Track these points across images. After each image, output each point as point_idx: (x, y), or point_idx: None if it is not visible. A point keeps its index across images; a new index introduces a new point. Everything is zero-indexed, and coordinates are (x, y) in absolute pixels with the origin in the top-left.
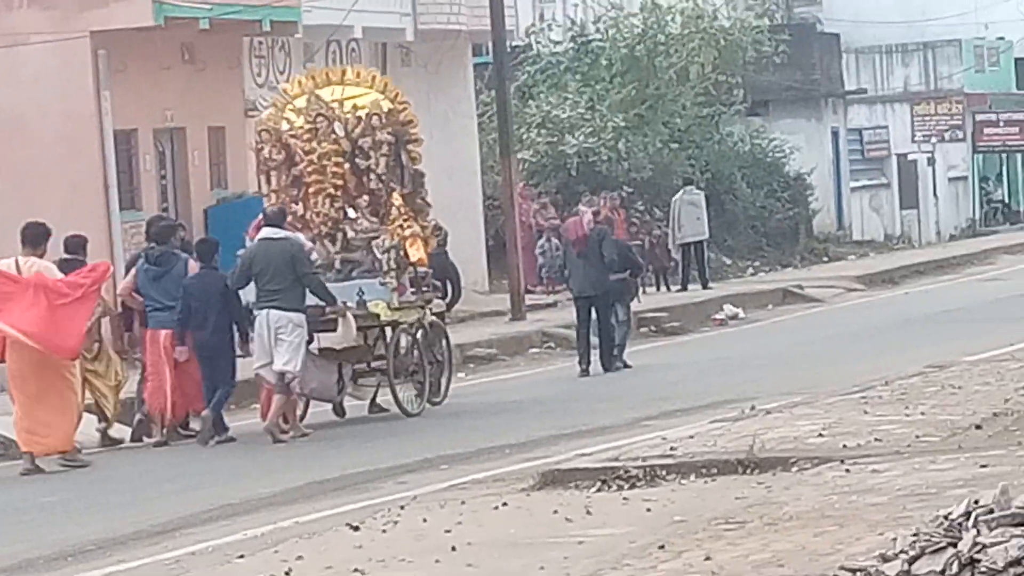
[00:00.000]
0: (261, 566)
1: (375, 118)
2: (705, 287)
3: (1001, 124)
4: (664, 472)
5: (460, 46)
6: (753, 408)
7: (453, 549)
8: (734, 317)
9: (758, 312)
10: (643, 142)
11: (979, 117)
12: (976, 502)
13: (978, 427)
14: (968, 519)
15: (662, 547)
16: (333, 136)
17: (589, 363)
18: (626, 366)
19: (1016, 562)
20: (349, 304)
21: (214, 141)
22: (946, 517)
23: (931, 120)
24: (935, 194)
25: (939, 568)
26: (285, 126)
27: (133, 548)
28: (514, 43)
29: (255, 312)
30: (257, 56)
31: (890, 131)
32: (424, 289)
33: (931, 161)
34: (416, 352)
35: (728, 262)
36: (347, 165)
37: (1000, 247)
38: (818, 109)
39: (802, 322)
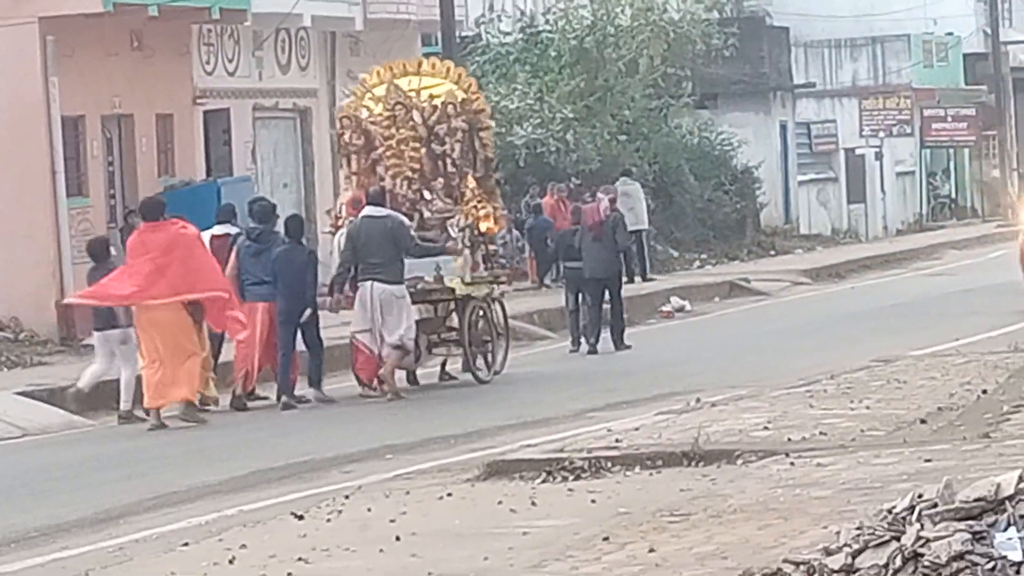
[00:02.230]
0: (205, 554)
1: (450, 107)
2: (644, 279)
3: (949, 119)
4: (609, 464)
5: (409, 36)
6: (699, 400)
7: (397, 539)
8: (680, 309)
9: (705, 305)
10: (591, 134)
11: (927, 112)
12: (920, 496)
13: (923, 421)
14: (912, 513)
15: (606, 539)
16: (411, 123)
17: (599, 340)
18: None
19: (959, 556)
20: (427, 278)
21: (162, 128)
22: (890, 511)
23: (879, 115)
24: (882, 189)
25: (882, 562)
26: (365, 113)
27: (77, 535)
28: (463, 33)
29: (359, 283)
30: (206, 44)
31: (838, 125)
32: (493, 266)
33: (879, 156)
34: (485, 324)
35: (675, 254)
36: (423, 150)
37: (947, 242)
38: (766, 103)
39: (748, 315)
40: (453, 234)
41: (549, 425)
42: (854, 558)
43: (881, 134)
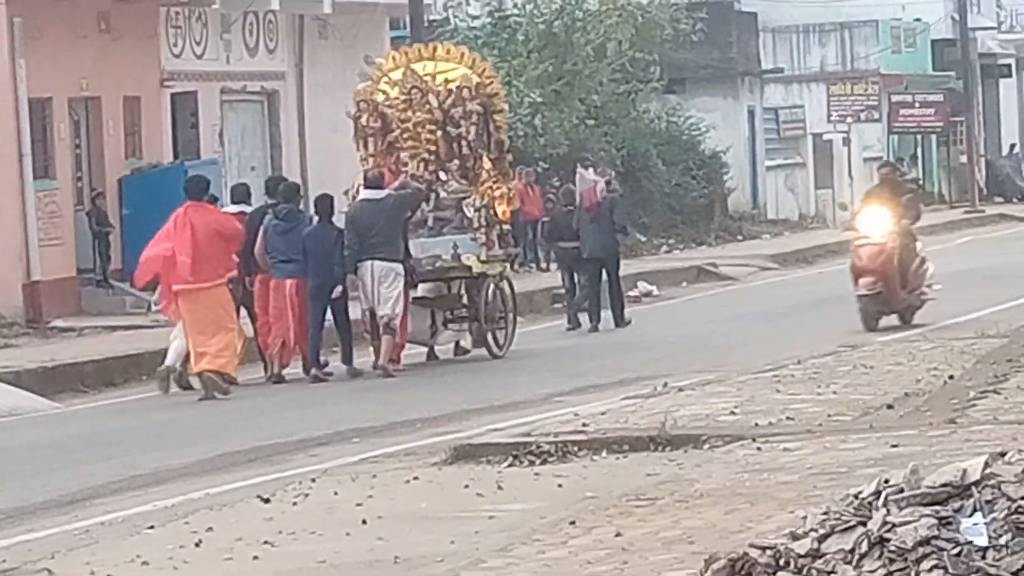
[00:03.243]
0: (171, 537)
1: (465, 90)
2: None
3: (917, 105)
4: (576, 448)
5: (377, 19)
6: (666, 385)
7: (364, 522)
8: (648, 294)
9: (672, 290)
10: (559, 118)
11: (895, 98)
12: (886, 481)
13: (889, 407)
14: (878, 498)
15: (573, 523)
16: (427, 106)
17: (600, 319)
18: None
19: (925, 541)
20: (444, 256)
21: (129, 111)
22: (856, 496)
23: (847, 100)
24: (850, 174)
25: (849, 547)
26: (381, 97)
27: (42, 518)
28: (431, 17)
29: (359, 263)
30: (173, 26)
31: (806, 111)
32: (507, 245)
33: (846, 141)
34: (499, 301)
35: (643, 239)
36: (439, 133)
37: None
38: (734, 88)
39: (716, 300)
40: (469, 214)
41: (516, 409)
42: (820, 543)
43: (849, 119)
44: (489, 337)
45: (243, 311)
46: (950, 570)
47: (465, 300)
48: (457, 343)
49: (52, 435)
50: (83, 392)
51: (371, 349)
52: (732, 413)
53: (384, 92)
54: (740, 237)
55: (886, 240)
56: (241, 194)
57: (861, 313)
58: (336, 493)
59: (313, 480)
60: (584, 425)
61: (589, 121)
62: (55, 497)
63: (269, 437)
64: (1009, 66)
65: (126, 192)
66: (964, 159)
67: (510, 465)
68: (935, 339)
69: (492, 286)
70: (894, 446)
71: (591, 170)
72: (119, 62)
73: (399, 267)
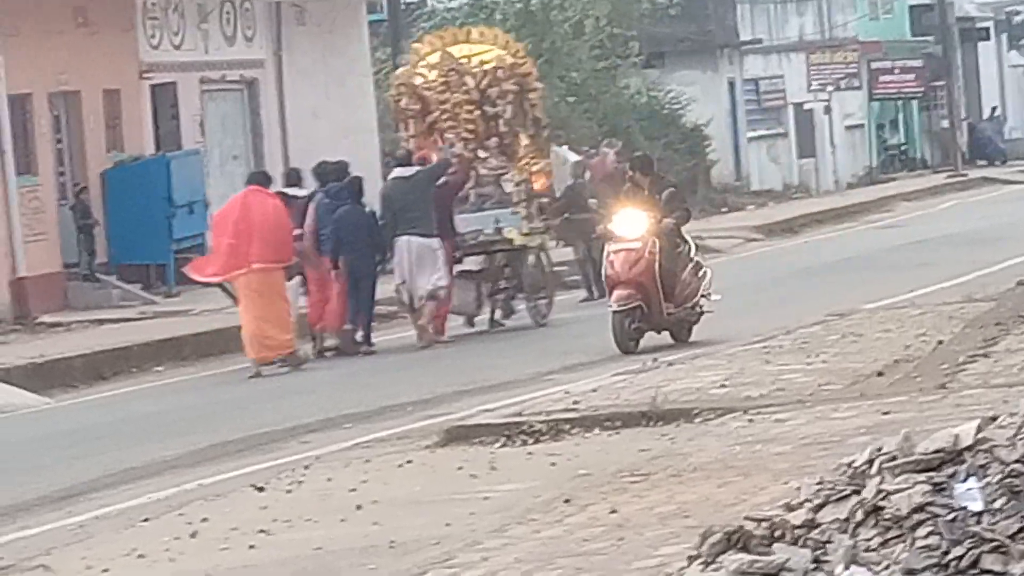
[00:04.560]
0: (166, 529)
1: (500, 71)
2: None
3: (896, 71)
4: (568, 426)
5: (355, 4)
6: (655, 360)
7: (358, 508)
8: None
9: None
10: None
11: (874, 65)
12: (879, 449)
13: (880, 374)
14: (871, 466)
15: (567, 501)
16: (464, 87)
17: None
18: None
19: (920, 508)
20: (487, 231)
21: (109, 104)
22: (849, 465)
23: (827, 69)
24: (832, 143)
25: (844, 516)
26: (419, 80)
27: (36, 514)
28: (408, 0)
29: (395, 238)
30: (151, 18)
31: (786, 81)
32: (546, 218)
33: (827, 110)
34: (540, 272)
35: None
36: (477, 112)
37: (898, 194)
38: (714, 60)
39: None
40: (508, 189)
41: (506, 389)
42: (815, 513)
43: (829, 88)
44: (532, 307)
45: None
46: (945, 536)
47: (508, 272)
48: (491, 316)
49: (43, 431)
50: (72, 387)
51: (413, 324)
52: (723, 386)
53: (422, 75)
54: (724, 209)
55: (644, 245)
56: (293, 178)
57: (614, 332)
58: (330, 479)
59: (306, 467)
60: (575, 403)
61: (569, 98)
62: (48, 493)
63: (261, 425)
64: (987, 29)
65: (109, 185)
66: (945, 124)
67: (503, 445)
68: (923, 305)
69: (533, 257)
70: (885, 413)
71: (565, 147)
72: (97, 56)
73: (435, 242)
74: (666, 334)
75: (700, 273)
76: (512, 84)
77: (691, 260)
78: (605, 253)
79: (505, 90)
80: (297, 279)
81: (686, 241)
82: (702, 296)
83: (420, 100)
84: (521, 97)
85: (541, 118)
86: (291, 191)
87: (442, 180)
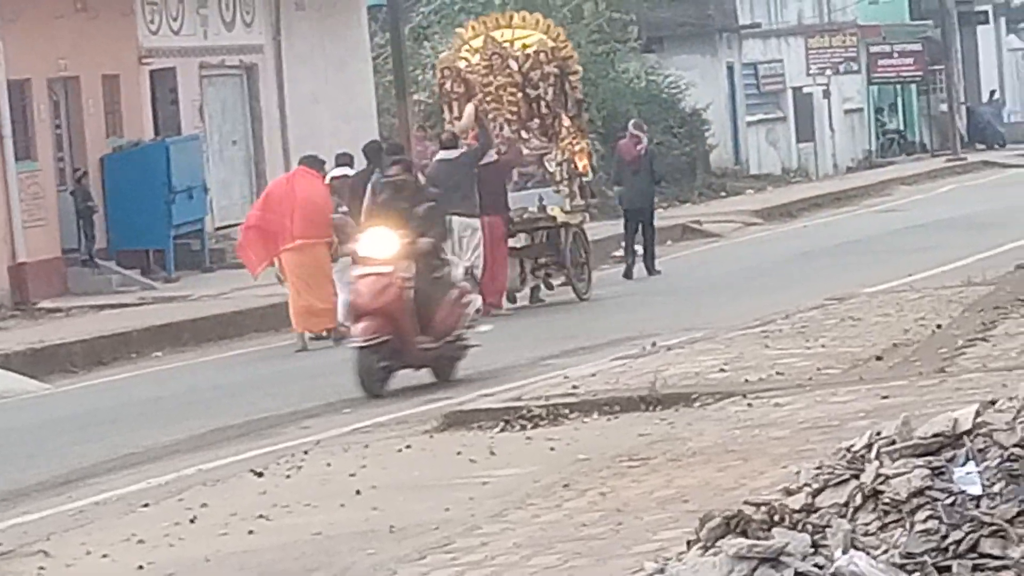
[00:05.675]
0: (166, 514)
1: (542, 54)
2: None
3: (895, 55)
4: (567, 411)
5: None
6: (654, 344)
7: (358, 493)
8: (633, 254)
9: (657, 248)
10: None
11: (873, 49)
12: (878, 433)
13: (878, 358)
14: (870, 451)
15: (566, 485)
16: (507, 70)
17: (634, 264)
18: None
19: (919, 492)
20: (531, 208)
21: (108, 90)
22: (848, 449)
23: (825, 53)
24: (831, 127)
25: (843, 500)
26: (463, 64)
27: (36, 499)
28: None
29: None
30: (150, 3)
31: (785, 65)
32: (587, 196)
33: (826, 94)
34: (581, 248)
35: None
36: (519, 95)
37: (896, 178)
38: (712, 44)
39: (701, 257)
40: (551, 168)
41: (505, 374)
42: (814, 497)
43: (828, 72)
44: (574, 282)
45: None
46: (945, 520)
47: (550, 249)
48: (533, 291)
49: (43, 416)
50: (72, 372)
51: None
52: (722, 370)
53: (466, 59)
54: (723, 193)
55: (394, 269)
56: (345, 159)
57: (357, 371)
58: (329, 464)
59: (305, 452)
60: (574, 387)
61: None
62: (48, 478)
63: (260, 411)
64: (986, 12)
65: (108, 171)
66: (944, 107)
67: (502, 430)
68: (922, 288)
69: (573, 234)
70: (884, 397)
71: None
72: (97, 41)
73: (475, 221)
74: (425, 371)
75: (465, 300)
76: (553, 67)
77: (453, 285)
78: (350, 278)
79: (546, 73)
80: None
81: (447, 263)
82: (466, 327)
83: (464, 83)
84: (562, 80)
85: (582, 100)
86: (342, 171)
87: (491, 159)
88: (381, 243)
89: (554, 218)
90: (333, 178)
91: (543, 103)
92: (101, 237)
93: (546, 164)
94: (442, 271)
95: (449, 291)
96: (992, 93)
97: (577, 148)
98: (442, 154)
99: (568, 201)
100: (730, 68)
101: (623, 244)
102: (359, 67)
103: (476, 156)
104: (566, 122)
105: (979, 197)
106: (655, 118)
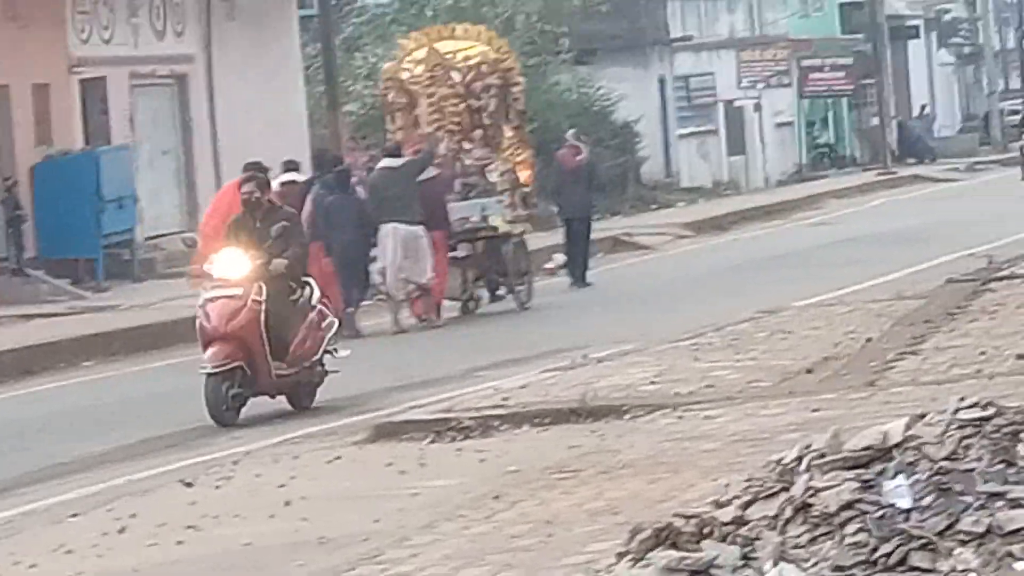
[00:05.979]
0: (95, 525)
1: (484, 66)
2: None
3: (826, 69)
4: (497, 422)
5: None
6: (585, 357)
7: (287, 504)
8: (564, 266)
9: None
10: None
11: (804, 63)
12: (808, 446)
13: (809, 371)
14: (800, 463)
15: (497, 497)
16: (450, 82)
17: (585, 274)
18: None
19: (848, 505)
20: (473, 219)
21: (39, 98)
22: (779, 462)
23: (757, 66)
24: (762, 140)
25: (773, 513)
26: (406, 75)
27: None
28: None
29: (381, 224)
30: (80, 12)
31: (716, 78)
32: (528, 206)
33: (758, 107)
34: (523, 258)
35: (556, 211)
36: (462, 105)
37: (827, 192)
38: (644, 57)
39: (632, 270)
40: (492, 179)
41: (436, 385)
42: (744, 510)
43: (759, 85)
44: (515, 292)
45: None
46: (874, 533)
47: (492, 259)
48: (466, 303)
49: None
50: (1, 382)
51: (389, 310)
52: (652, 383)
53: (409, 70)
54: (654, 206)
55: (246, 292)
56: (292, 165)
57: (207, 400)
58: (259, 475)
59: (235, 463)
60: (505, 399)
61: None
62: None
63: (190, 421)
64: (917, 27)
65: (39, 179)
66: (875, 121)
67: (432, 442)
68: (852, 302)
69: (515, 244)
70: (815, 410)
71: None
72: (27, 49)
73: (420, 229)
74: (282, 399)
75: (324, 324)
76: (495, 78)
77: (312, 308)
78: (200, 302)
79: (489, 84)
80: None
81: (306, 285)
82: (325, 352)
83: (407, 94)
84: (504, 91)
85: (524, 111)
86: (290, 176)
87: (431, 174)
88: (232, 264)
89: (496, 228)
90: (282, 184)
91: (485, 114)
92: (31, 246)
93: (488, 174)
94: (298, 293)
95: (307, 315)
96: (923, 107)
97: (519, 159)
98: (386, 162)
99: (510, 211)
100: (662, 81)
101: (566, 254)
102: (291, 78)
103: (420, 166)
104: (508, 133)
105: (910, 211)
106: (587, 130)
